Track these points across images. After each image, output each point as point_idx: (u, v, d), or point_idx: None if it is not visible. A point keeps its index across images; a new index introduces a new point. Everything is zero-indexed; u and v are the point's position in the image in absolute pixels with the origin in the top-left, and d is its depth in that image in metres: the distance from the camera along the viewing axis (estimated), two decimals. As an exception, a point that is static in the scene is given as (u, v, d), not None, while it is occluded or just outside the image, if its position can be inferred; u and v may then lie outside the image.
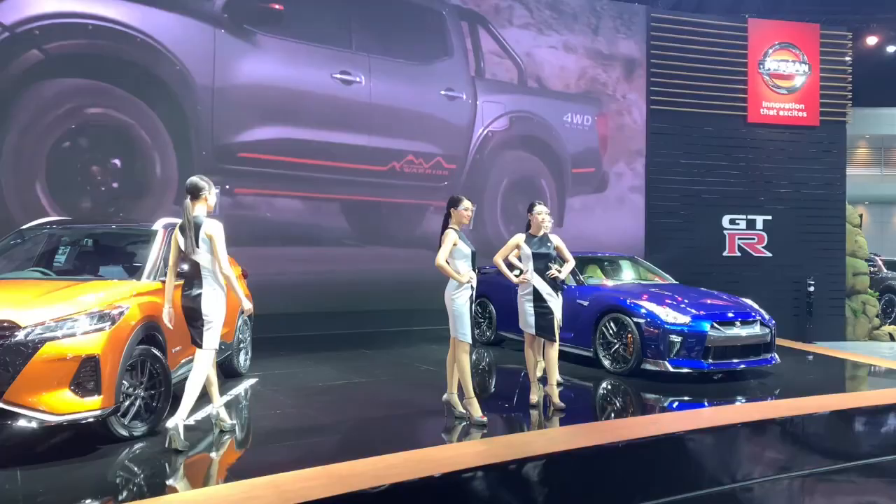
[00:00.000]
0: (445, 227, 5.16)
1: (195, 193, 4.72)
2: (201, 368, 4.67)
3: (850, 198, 21.73)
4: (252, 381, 6.63)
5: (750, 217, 12.92)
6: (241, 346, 6.81)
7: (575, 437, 4.69)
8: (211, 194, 4.80)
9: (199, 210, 4.71)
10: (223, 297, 4.82)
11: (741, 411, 5.78)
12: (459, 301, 5.05)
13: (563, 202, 11.89)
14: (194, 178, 4.78)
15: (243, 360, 6.84)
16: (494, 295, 8.57)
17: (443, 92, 10.85)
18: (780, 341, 9.74)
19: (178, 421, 4.41)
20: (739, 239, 12.88)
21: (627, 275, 8.65)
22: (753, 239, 12.93)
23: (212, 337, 4.72)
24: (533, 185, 11.61)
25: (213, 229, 4.63)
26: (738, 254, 12.86)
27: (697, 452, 4.85)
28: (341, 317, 10.07)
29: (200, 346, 4.71)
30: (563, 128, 11.89)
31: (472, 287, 5.11)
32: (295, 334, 9.25)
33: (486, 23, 11.28)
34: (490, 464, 4.08)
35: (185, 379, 5.44)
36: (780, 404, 6.10)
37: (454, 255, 5.09)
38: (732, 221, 12.87)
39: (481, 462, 4.09)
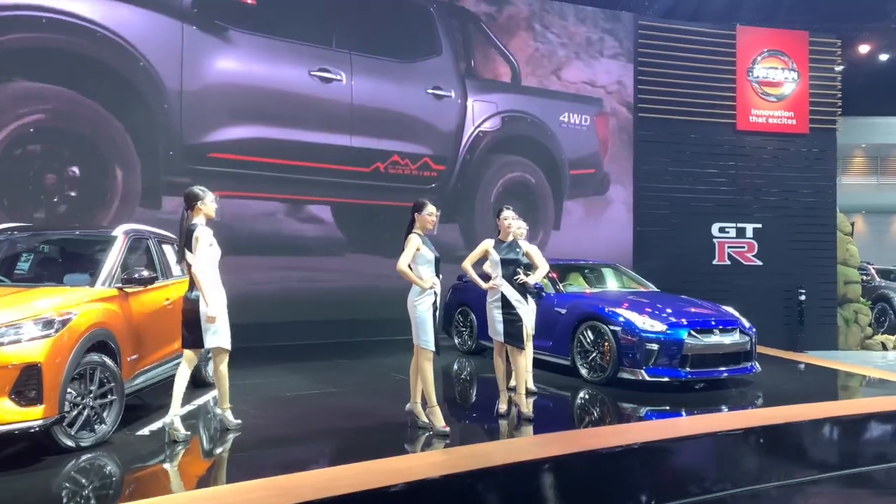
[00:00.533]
0: (409, 231, 5.05)
1: (188, 203, 4.92)
2: (216, 368, 5.01)
3: (846, 207, 21.69)
4: (216, 392, 6.47)
5: (740, 225, 12.81)
6: (209, 356, 6.67)
7: (537, 447, 4.56)
8: (206, 203, 4.94)
9: (197, 219, 4.90)
10: (221, 297, 4.91)
11: (710, 421, 5.63)
12: (422, 307, 4.93)
13: (561, 205, 11.77)
14: (190, 188, 4.99)
15: (212, 369, 6.69)
16: (475, 303, 8.44)
17: (430, 90, 10.73)
18: (770, 350, 9.66)
19: (173, 416, 4.70)
20: (729, 247, 12.76)
21: (608, 282, 8.53)
22: (743, 247, 12.80)
23: (216, 338, 4.87)
24: (528, 188, 11.49)
25: (198, 232, 4.82)
26: (728, 262, 12.74)
27: (663, 463, 4.71)
28: (321, 326, 9.95)
29: (194, 347, 4.92)
30: (559, 128, 11.77)
31: (435, 293, 4.99)
32: (273, 344, 9.12)
33: (477, 21, 11.20)
34: (443, 475, 3.94)
35: (144, 388, 5.37)
36: (753, 414, 5.97)
37: (417, 261, 4.97)
38: (722, 230, 12.75)
39: (434, 473, 3.96)
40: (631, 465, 4.61)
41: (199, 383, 6.53)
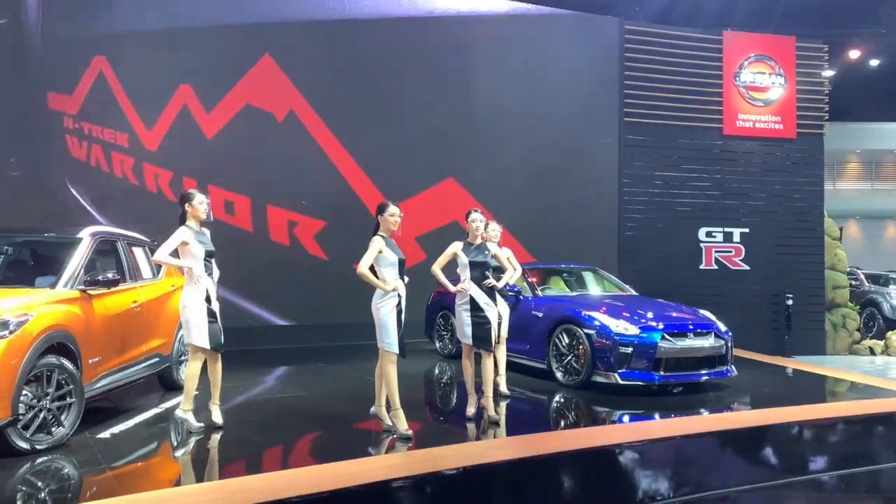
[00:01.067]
0: (374, 233, 5.03)
1: (180, 204, 5.14)
2: (188, 367, 5.09)
3: (840, 212, 21.71)
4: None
5: (727, 230, 12.76)
6: (182, 357, 6.64)
7: (496, 450, 4.53)
8: (193, 204, 5.05)
9: (191, 220, 5.06)
10: (192, 295, 4.99)
11: (675, 425, 5.59)
12: (384, 310, 4.90)
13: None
14: (183, 190, 5.22)
15: (184, 372, 6.66)
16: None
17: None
18: (756, 355, 9.61)
19: (180, 410, 4.97)
20: (716, 252, 12.71)
21: (588, 286, 8.51)
22: (731, 252, 12.76)
23: (188, 334, 4.97)
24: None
25: (175, 233, 5.01)
26: (716, 267, 12.69)
27: (626, 467, 4.67)
28: (303, 330, 9.93)
29: None
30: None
31: (399, 296, 4.96)
32: (252, 348, 9.09)
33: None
34: (397, 477, 3.90)
35: (110, 391, 5.35)
36: (723, 417, 5.94)
37: (380, 263, 4.95)
38: (709, 234, 12.71)
39: (389, 476, 3.93)
40: (591, 468, 4.57)
41: (168, 386, 6.51)
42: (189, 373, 5.07)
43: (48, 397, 4.46)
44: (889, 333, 13.42)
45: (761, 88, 12.99)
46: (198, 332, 4.96)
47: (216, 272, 5.20)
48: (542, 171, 11.71)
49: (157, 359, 6.15)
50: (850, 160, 26.05)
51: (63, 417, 4.56)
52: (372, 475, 3.97)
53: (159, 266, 6.30)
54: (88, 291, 5.02)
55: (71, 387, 4.59)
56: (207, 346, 4.99)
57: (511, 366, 7.16)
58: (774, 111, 13.03)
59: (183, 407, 5.08)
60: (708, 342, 6.89)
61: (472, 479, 4.12)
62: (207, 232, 5.23)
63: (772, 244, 12.78)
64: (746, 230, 12.79)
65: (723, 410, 6.39)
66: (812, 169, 13.30)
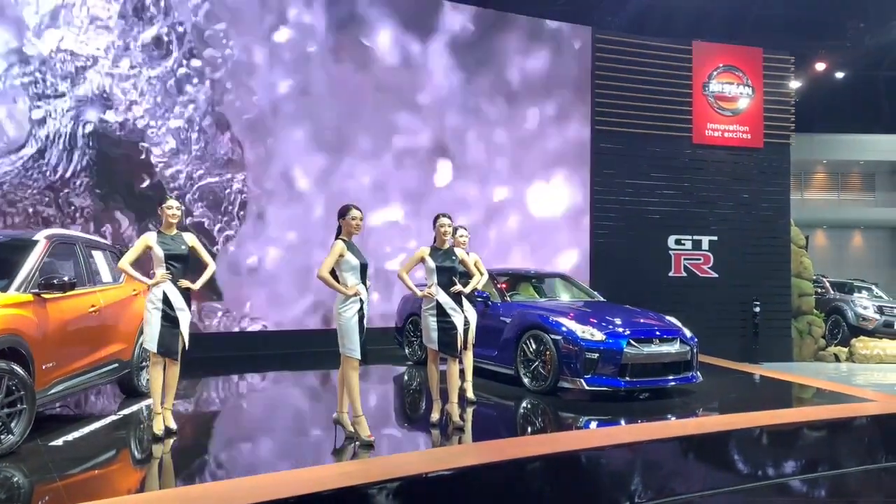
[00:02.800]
0: (337, 237, 4.98)
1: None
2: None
3: (808, 221, 22.09)
4: (151, 400, 6.32)
5: (696, 237, 12.93)
6: (144, 364, 6.51)
7: (458, 456, 4.50)
8: (162, 208, 5.11)
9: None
10: (149, 298, 4.99)
11: (637, 430, 5.60)
12: (346, 315, 4.84)
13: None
14: None
15: (145, 378, 6.53)
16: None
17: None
18: (723, 362, 9.70)
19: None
20: (685, 259, 12.86)
21: (556, 293, 8.53)
22: (699, 259, 12.91)
23: (144, 334, 5.04)
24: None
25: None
26: (685, 274, 12.83)
27: (589, 471, 4.67)
28: (277, 337, 9.83)
29: None
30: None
31: (361, 300, 4.91)
32: (224, 355, 8.97)
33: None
34: (355, 485, 3.85)
35: (64, 397, 5.23)
36: (686, 423, 5.98)
37: (342, 267, 4.90)
38: (678, 242, 12.85)
39: (347, 483, 3.87)
40: (555, 474, 4.55)
41: (129, 392, 6.39)
42: (150, 377, 5.03)
43: (-4, 403, 4.33)
44: (853, 340, 13.66)
45: (729, 98, 13.19)
46: (149, 336, 4.94)
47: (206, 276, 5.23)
48: (514, 177, 11.75)
49: (116, 364, 6.02)
50: (818, 171, 26.54)
51: (13, 424, 4.43)
52: (328, 482, 3.90)
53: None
54: (43, 295, 4.90)
55: (21, 393, 4.46)
56: (154, 350, 4.92)
57: (479, 372, 7.14)
58: (742, 121, 13.24)
59: (154, 409, 5.00)
60: (674, 348, 6.92)
61: (434, 485, 4.08)
62: (186, 236, 5.18)
63: (739, 252, 12.97)
64: (715, 238, 12.96)
65: (688, 416, 6.42)
66: (779, 178, 13.53)
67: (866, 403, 7.03)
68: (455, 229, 6.60)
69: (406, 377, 8.16)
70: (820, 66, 19.27)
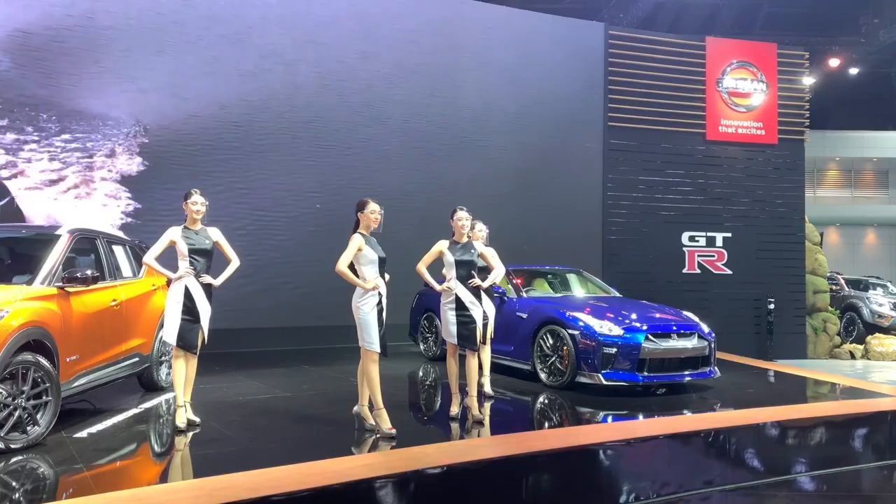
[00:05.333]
0: (354, 231, 5.00)
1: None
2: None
3: (821, 219, 21.95)
4: (171, 394, 6.37)
5: (710, 234, 12.87)
6: (163, 358, 6.56)
7: (478, 448, 4.50)
8: (187, 203, 5.13)
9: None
10: (171, 292, 5.04)
11: (656, 424, 5.60)
12: (365, 309, 4.86)
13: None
14: None
15: (165, 373, 6.59)
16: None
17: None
18: (738, 358, 9.66)
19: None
20: (699, 256, 12.80)
21: (572, 288, 8.52)
22: (713, 256, 12.86)
23: (164, 327, 5.04)
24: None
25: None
26: (698, 271, 12.77)
27: (608, 466, 4.66)
28: (291, 333, 9.87)
29: None
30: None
31: (380, 294, 4.93)
32: (238, 350, 9.01)
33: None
34: (378, 476, 3.87)
35: (88, 390, 5.28)
36: (703, 417, 5.94)
37: (360, 261, 4.92)
38: (692, 238, 12.80)
39: (370, 474, 3.89)
40: (573, 467, 4.55)
41: (148, 386, 6.43)
42: (173, 370, 5.07)
43: (23, 395, 4.37)
44: (869, 338, 13.56)
45: (743, 94, 13.12)
46: (168, 329, 4.99)
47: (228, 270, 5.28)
48: (528, 174, 11.75)
49: (136, 358, 6.07)
50: (831, 168, 26.38)
51: (39, 416, 4.48)
52: (351, 473, 3.92)
53: (140, 265, 6.26)
54: (66, 289, 4.94)
55: (47, 385, 4.51)
56: (173, 343, 4.97)
57: (495, 367, 7.15)
58: (756, 117, 13.17)
59: (176, 402, 5.05)
60: (691, 343, 6.91)
61: (454, 477, 4.09)
62: (211, 231, 5.22)
63: (753, 249, 12.90)
64: (729, 234, 12.90)
65: (706, 411, 6.40)
66: (793, 174, 13.45)
67: (883, 399, 6.99)
68: (473, 224, 6.62)
69: (421, 373, 8.17)
70: (834, 63, 19.18)
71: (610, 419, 5.94)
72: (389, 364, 8.36)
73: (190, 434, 5.00)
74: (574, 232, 12.06)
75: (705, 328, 7.22)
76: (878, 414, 6.28)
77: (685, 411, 6.29)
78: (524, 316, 7.45)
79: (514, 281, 7.94)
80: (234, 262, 5.30)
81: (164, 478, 4.23)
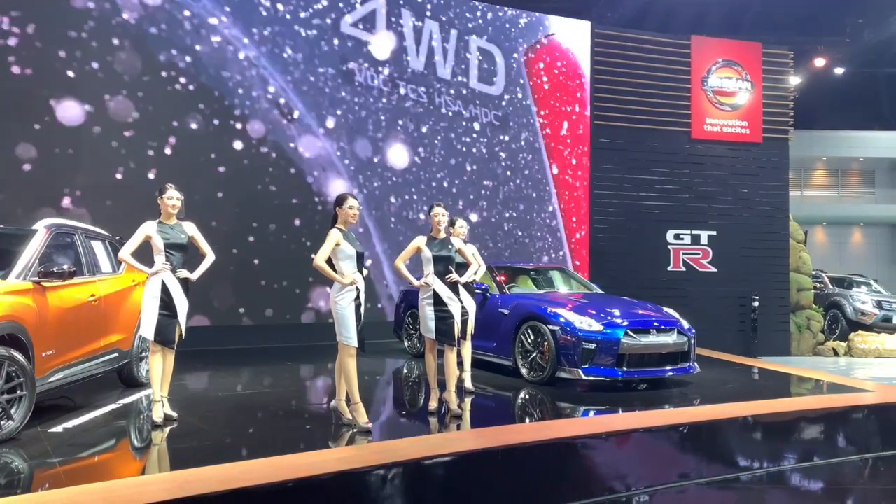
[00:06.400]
0: (332, 226, 5.01)
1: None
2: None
3: (808, 218, 22.08)
4: (150, 390, 6.35)
5: (694, 232, 12.95)
6: (144, 354, 6.55)
7: (455, 442, 4.52)
8: (162, 198, 5.12)
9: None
10: (147, 287, 5.04)
11: (639, 418, 5.63)
12: (342, 303, 4.88)
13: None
14: None
15: (145, 369, 6.57)
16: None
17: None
18: (722, 355, 9.73)
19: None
20: (684, 254, 12.88)
21: (555, 285, 8.55)
22: (698, 254, 12.94)
23: (141, 322, 5.03)
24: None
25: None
26: (683, 269, 12.86)
27: (585, 458, 4.69)
28: (275, 330, 9.87)
29: None
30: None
31: (357, 289, 4.94)
32: (222, 347, 9.01)
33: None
34: (350, 469, 3.88)
35: (65, 386, 5.26)
36: (682, 412, 5.99)
37: (338, 256, 4.93)
38: (677, 236, 12.88)
39: (342, 467, 3.90)
40: (551, 461, 4.58)
41: (128, 382, 6.42)
42: (150, 366, 5.07)
43: (-4, 389, 4.36)
44: (852, 335, 13.68)
45: (728, 93, 13.21)
46: (146, 324, 4.97)
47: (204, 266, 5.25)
48: (511, 172, 11.79)
49: (116, 354, 6.05)
50: (817, 167, 26.53)
51: (13, 411, 4.47)
52: (323, 467, 3.93)
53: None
54: (43, 283, 4.93)
55: (21, 379, 4.50)
56: (151, 338, 4.97)
57: (477, 363, 7.18)
58: (741, 116, 13.26)
59: (153, 397, 5.05)
60: (671, 339, 6.95)
61: (428, 471, 4.11)
62: (186, 225, 5.21)
63: (738, 247, 12.99)
64: (714, 233, 12.98)
65: (685, 405, 6.44)
66: (778, 173, 13.55)
67: (864, 394, 7.06)
68: (453, 221, 6.65)
69: (405, 369, 8.19)
70: (819, 62, 19.30)
71: (588, 413, 5.98)
72: (374, 360, 8.44)
73: (167, 429, 5.00)
74: (561, 230, 12.11)
75: (685, 324, 7.26)
76: (856, 408, 6.34)
77: (662, 406, 6.33)
78: (506, 312, 7.47)
79: (497, 278, 7.96)
80: (210, 257, 5.31)
81: (137, 472, 4.22)
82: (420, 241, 5.64)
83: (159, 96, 9.31)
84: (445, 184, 11.27)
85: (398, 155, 10.97)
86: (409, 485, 4.02)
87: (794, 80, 16.45)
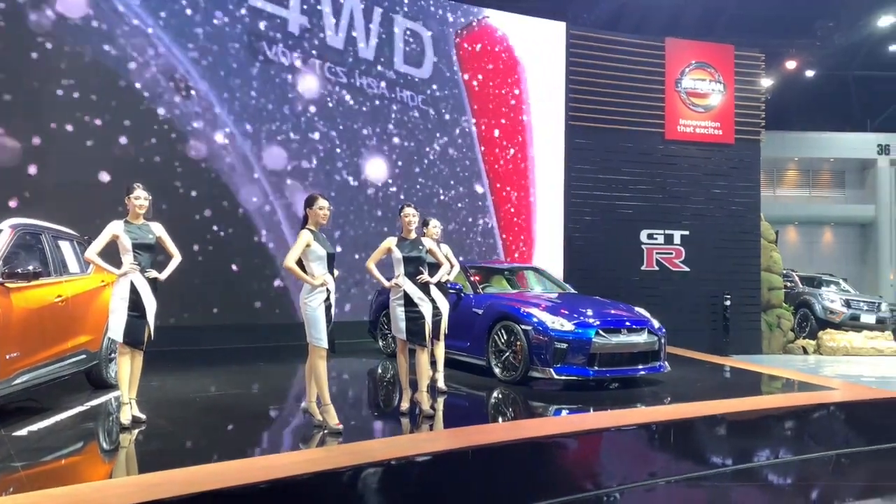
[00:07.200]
0: (302, 227, 4.99)
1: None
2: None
3: (780, 218, 22.43)
4: (119, 392, 6.28)
5: (668, 232, 13.08)
6: (112, 355, 6.46)
7: (426, 442, 4.53)
8: (130, 198, 5.06)
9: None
10: (115, 287, 4.98)
11: (610, 417, 5.69)
12: (312, 304, 4.86)
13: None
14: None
15: (114, 370, 6.48)
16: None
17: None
18: (694, 354, 9.85)
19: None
20: (657, 253, 13.01)
21: (529, 285, 8.61)
22: (671, 253, 13.07)
23: (110, 324, 4.99)
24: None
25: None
26: (657, 268, 12.98)
27: (556, 458, 4.73)
28: (250, 330, 9.80)
29: None
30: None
31: (328, 290, 4.93)
32: (195, 348, 8.93)
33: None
34: (319, 471, 3.87)
35: (30, 388, 5.19)
36: (650, 411, 6.06)
37: (309, 257, 4.91)
38: (650, 236, 13.00)
39: (311, 469, 3.89)
40: (518, 460, 4.61)
41: (97, 384, 6.34)
42: (118, 367, 5.01)
43: (-42, 392, 4.29)
44: (821, 333, 13.93)
45: (701, 95, 13.36)
46: (115, 326, 4.92)
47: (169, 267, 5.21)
48: (488, 171, 11.82)
49: (84, 356, 5.97)
50: (790, 168, 26.94)
51: (-25, 414, 4.40)
52: (292, 469, 3.92)
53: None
54: (6, 284, 4.85)
55: (-17, 382, 4.43)
56: (119, 340, 4.91)
57: (452, 363, 7.20)
58: (714, 117, 13.42)
59: (121, 399, 4.99)
60: (641, 338, 7.03)
61: (397, 472, 4.12)
62: (154, 226, 5.16)
63: (710, 246, 13.15)
64: (686, 232, 13.13)
65: (656, 404, 6.52)
66: (749, 174, 13.73)
67: (830, 392, 7.20)
68: (426, 221, 6.67)
69: (380, 369, 8.18)
70: (791, 65, 19.64)
71: (559, 413, 6.03)
72: (347, 361, 8.42)
73: (135, 431, 4.94)
74: (534, 229, 12.18)
75: (656, 324, 7.35)
76: (822, 406, 6.46)
77: (634, 405, 6.40)
78: (480, 312, 7.50)
79: (472, 278, 7.99)
80: (177, 257, 5.26)
81: (103, 475, 4.18)
82: (390, 241, 5.65)
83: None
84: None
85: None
86: (380, 486, 4.03)
87: (766, 82, 16.72)
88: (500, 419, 6.06)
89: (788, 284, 15.10)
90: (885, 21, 17.68)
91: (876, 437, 6.42)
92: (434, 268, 5.87)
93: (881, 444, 6.40)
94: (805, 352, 13.47)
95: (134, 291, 4.97)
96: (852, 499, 5.52)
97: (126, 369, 5.00)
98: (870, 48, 21.04)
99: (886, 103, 24.70)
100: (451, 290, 7.20)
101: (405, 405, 5.62)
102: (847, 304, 14.68)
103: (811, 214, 25.98)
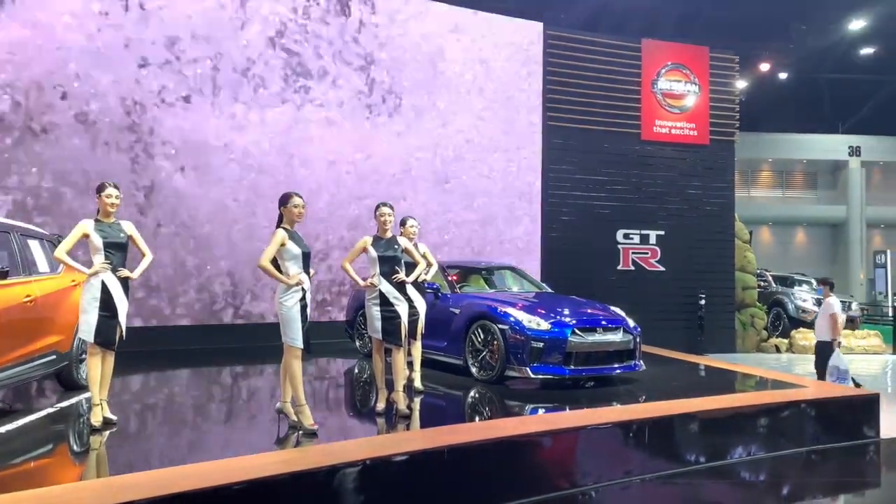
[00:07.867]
0: (277, 226, 4.95)
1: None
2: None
3: (754, 218, 22.76)
4: (90, 393, 6.19)
5: (643, 232, 13.20)
6: (83, 356, 6.36)
7: (401, 442, 4.52)
8: (101, 196, 5.00)
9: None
10: (85, 287, 4.91)
11: (586, 415, 5.72)
12: (288, 304, 4.82)
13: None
14: None
15: (84, 371, 6.38)
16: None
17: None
18: (669, 352, 9.94)
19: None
20: (633, 253, 13.12)
21: (506, 284, 8.62)
22: (647, 253, 13.19)
23: (80, 324, 4.89)
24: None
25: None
26: (632, 268, 13.10)
27: (532, 456, 4.74)
28: (230, 330, 9.71)
29: None
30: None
31: (303, 290, 4.89)
32: (164, 348, 8.81)
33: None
34: (293, 471, 3.85)
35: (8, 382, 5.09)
36: (624, 409, 6.09)
37: (284, 256, 4.87)
38: (626, 236, 13.11)
39: (285, 470, 3.86)
40: (494, 459, 4.62)
41: (68, 385, 6.24)
42: (88, 368, 4.94)
43: (-78, 394, 4.20)
44: (793, 332, 14.15)
45: (677, 96, 13.50)
46: (86, 326, 4.84)
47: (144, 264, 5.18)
48: (467, 171, 11.83)
49: (53, 356, 5.85)
50: (764, 169, 27.37)
51: (-60, 416, 4.30)
52: (266, 469, 3.88)
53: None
54: (-28, 284, 4.75)
55: (-50, 383, 4.33)
56: (90, 340, 4.84)
57: (429, 363, 7.19)
58: (689, 118, 13.57)
59: (92, 401, 4.92)
60: (617, 337, 7.08)
61: (372, 472, 4.10)
62: (124, 224, 5.09)
63: (685, 246, 13.30)
64: (662, 232, 13.26)
65: (631, 402, 6.57)
66: (724, 174, 13.91)
67: (801, 389, 7.30)
68: (404, 220, 6.65)
69: (357, 369, 8.15)
70: (765, 67, 19.94)
71: (535, 412, 6.05)
72: (324, 361, 8.37)
73: (106, 433, 4.87)
74: (514, 229, 12.21)
75: (631, 322, 7.40)
76: (793, 403, 6.57)
77: (609, 403, 6.44)
78: (457, 311, 7.50)
79: (449, 277, 7.99)
80: (148, 257, 5.20)
81: (73, 477, 4.11)
82: (366, 240, 5.63)
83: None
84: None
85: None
86: (356, 486, 4.01)
87: (741, 84, 16.95)
88: (476, 418, 6.07)
89: (762, 284, 15.32)
90: (856, 24, 18.02)
91: (845, 433, 6.54)
92: (410, 267, 5.86)
93: (850, 440, 6.52)
94: (778, 350, 13.67)
95: (105, 291, 4.90)
96: (822, 495, 5.61)
97: (97, 370, 4.93)
98: (842, 51, 21.43)
99: (858, 106, 25.20)
100: (428, 290, 7.20)
101: (381, 405, 5.60)
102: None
103: (784, 215, 26.41)
